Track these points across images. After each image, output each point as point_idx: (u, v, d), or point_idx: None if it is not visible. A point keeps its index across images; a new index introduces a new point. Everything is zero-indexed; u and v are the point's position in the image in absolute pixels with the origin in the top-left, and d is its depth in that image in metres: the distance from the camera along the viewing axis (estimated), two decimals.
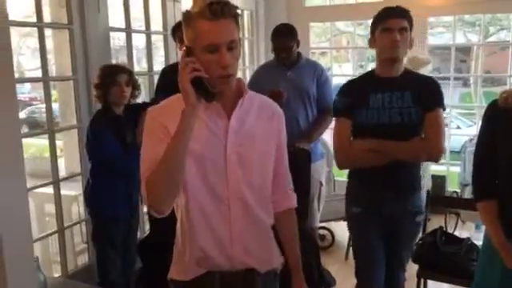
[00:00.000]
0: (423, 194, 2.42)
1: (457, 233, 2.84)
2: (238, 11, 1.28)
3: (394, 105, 2.03)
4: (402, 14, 2.03)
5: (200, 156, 1.31)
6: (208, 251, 1.35)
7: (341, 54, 11.13)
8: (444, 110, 2.11)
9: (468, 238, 2.58)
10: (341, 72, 9.35)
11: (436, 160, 2.16)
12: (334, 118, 2.21)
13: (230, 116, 1.33)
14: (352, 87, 2.20)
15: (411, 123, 2.03)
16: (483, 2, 4.32)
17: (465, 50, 10.75)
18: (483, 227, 2.98)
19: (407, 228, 2.19)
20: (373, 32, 2.08)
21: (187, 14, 1.27)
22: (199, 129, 1.29)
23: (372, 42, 2.10)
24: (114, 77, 2.52)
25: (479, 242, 2.66)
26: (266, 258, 1.44)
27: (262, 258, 1.42)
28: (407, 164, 2.08)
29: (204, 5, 1.22)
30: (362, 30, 5.76)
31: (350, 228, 2.37)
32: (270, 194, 1.45)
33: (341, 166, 2.20)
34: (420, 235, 2.50)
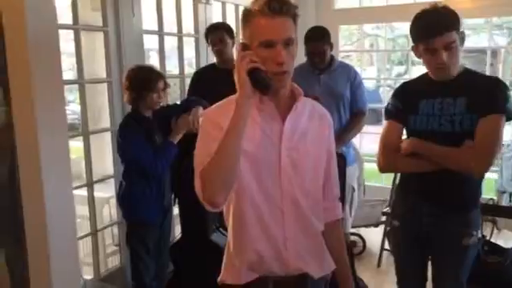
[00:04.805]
0: None
1: (492, 241, 2.75)
2: (297, 11, 1.28)
3: (445, 112, 1.83)
4: (445, 27, 1.71)
5: (254, 158, 1.30)
6: (263, 255, 1.33)
7: (364, 57, 11.01)
8: (508, 117, 1.79)
9: None
10: (365, 75, 9.24)
11: (477, 175, 1.86)
12: (384, 121, 2.07)
13: (284, 119, 1.33)
14: (404, 90, 2.01)
15: (463, 132, 1.79)
16: None
17: (492, 53, 10.54)
18: None
19: (448, 252, 1.91)
20: (415, 43, 1.83)
21: (246, 11, 1.28)
22: (253, 130, 1.29)
23: (416, 52, 1.85)
24: (152, 83, 2.49)
25: None
26: (319, 263, 1.42)
27: (314, 263, 1.40)
28: (462, 174, 1.82)
29: (263, 2, 1.23)
30: (388, 32, 5.66)
31: (389, 239, 2.30)
32: (321, 200, 1.43)
33: (382, 169, 2.04)
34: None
